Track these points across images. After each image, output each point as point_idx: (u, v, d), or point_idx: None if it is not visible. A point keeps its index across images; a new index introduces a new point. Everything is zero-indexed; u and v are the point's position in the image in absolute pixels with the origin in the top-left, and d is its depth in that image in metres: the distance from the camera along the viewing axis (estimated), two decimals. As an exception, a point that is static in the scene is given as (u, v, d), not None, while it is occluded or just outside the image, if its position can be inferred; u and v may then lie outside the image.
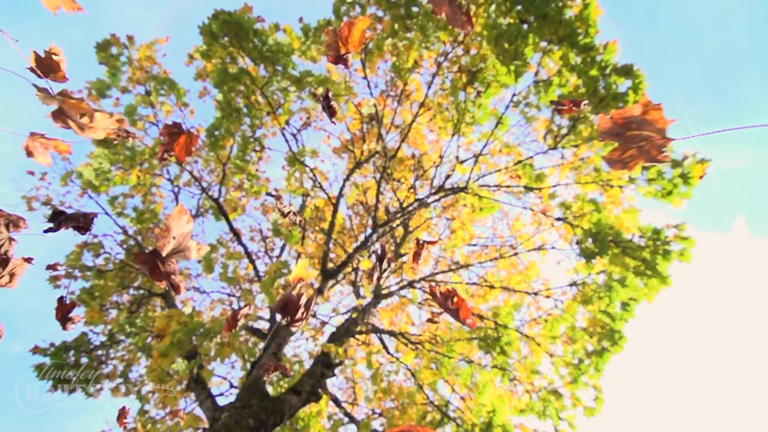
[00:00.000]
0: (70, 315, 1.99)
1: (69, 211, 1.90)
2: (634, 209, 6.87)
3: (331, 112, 2.16)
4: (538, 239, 8.65)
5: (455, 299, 1.82)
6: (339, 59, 1.78)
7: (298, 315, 1.90)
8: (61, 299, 1.95)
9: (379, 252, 2.32)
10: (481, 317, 8.02)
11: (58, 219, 1.85)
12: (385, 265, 2.29)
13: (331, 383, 7.40)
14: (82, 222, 1.86)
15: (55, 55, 1.50)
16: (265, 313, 8.14)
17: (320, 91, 6.64)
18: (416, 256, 2.41)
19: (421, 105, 7.56)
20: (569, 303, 7.50)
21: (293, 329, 2.04)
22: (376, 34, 6.35)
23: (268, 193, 7.99)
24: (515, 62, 6.11)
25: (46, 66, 1.49)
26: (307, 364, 6.90)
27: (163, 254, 1.47)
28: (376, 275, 2.26)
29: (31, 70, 1.49)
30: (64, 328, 1.98)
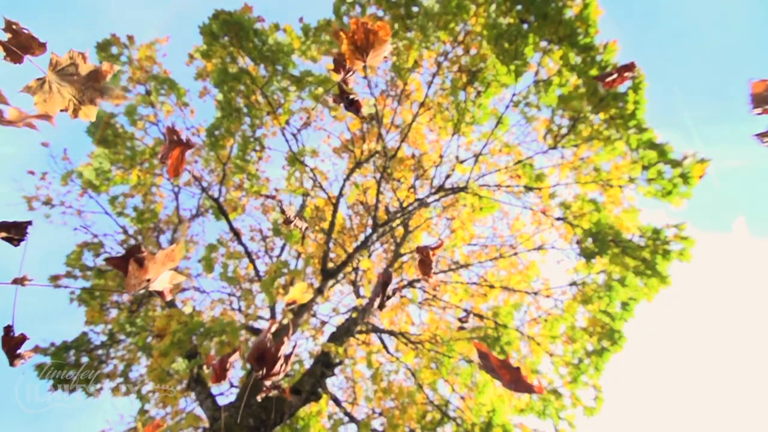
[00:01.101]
0: (19, 351, 1.55)
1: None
2: (634, 209, 6.88)
3: (356, 108, 2.01)
4: (538, 239, 8.65)
5: (510, 367, 1.50)
6: (345, 78, 1.61)
7: (276, 368, 1.66)
8: (8, 329, 1.50)
9: (383, 276, 2.15)
10: (481, 317, 8.02)
11: None
12: (389, 291, 2.12)
13: (331, 383, 7.41)
14: (14, 231, 1.49)
15: (15, 26, 1.25)
16: (265, 313, 8.15)
17: (320, 91, 6.63)
18: (425, 266, 2.18)
19: (421, 105, 7.56)
20: (569, 303, 7.50)
21: (268, 383, 1.81)
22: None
23: (266, 195, 7.99)
24: (515, 62, 6.11)
25: (20, 45, 1.25)
26: (307, 363, 6.91)
27: (129, 291, 1.34)
28: (378, 301, 2.10)
29: (7, 58, 1.27)
30: (12, 364, 1.58)
